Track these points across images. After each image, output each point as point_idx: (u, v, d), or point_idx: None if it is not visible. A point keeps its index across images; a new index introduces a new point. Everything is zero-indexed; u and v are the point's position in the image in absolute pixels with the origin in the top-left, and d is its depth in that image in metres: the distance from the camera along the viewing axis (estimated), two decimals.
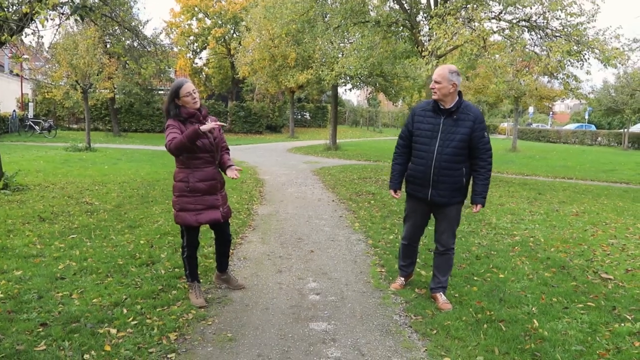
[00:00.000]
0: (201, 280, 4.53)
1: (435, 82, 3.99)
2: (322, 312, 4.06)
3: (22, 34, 7.28)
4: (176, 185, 4.05)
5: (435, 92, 4.00)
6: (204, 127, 3.72)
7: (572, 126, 48.65)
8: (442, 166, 4.01)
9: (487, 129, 4.06)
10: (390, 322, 3.89)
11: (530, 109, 57.83)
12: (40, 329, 3.56)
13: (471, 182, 4.20)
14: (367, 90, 27.52)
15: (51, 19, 5.74)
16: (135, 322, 3.72)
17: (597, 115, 47.39)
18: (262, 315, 3.97)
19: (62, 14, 5.79)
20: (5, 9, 5.44)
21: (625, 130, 32.84)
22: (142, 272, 4.87)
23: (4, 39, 5.56)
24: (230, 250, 5.74)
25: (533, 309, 4.15)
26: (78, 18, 5.17)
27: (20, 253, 5.34)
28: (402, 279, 4.65)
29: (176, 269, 4.91)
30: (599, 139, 38.30)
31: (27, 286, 4.39)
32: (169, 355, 3.26)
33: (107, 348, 3.30)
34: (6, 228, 6.40)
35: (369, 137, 37.67)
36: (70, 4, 5.21)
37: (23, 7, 5.56)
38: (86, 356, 3.19)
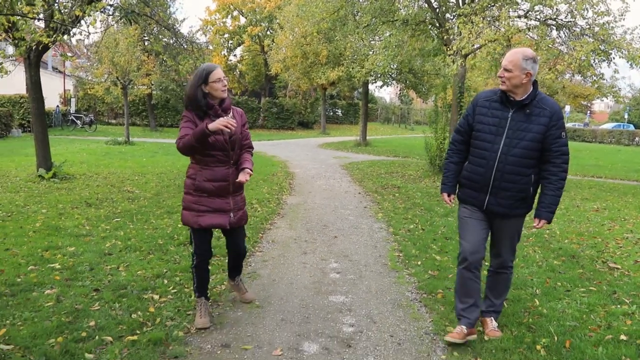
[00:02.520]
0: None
1: (505, 69, 3.26)
2: (341, 288, 4.48)
3: (70, 34, 7.93)
4: (185, 181, 3.73)
5: (504, 82, 3.28)
6: (211, 126, 3.29)
7: (609, 125, 47.58)
8: (506, 170, 3.30)
9: (565, 129, 3.33)
10: (402, 298, 4.29)
11: (567, 108, 56.75)
12: (94, 294, 4.10)
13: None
14: (397, 87, 27.74)
15: (100, 21, 6.32)
16: (175, 290, 4.23)
17: (637, 114, 46.22)
18: (286, 289, 4.42)
19: (111, 15, 6.35)
20: (61, 13, 6.04)
21: None
22: (180, 250, 5.39)
23: (59, 39, 6.17)
24: (261, 235, 6.19)
25: (537, 290, 4.47)
26: (126, 22, 5.69)
27: (72, 232, 5.94)
28: (463, 326, 3.41)
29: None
30: (637, 139, 37.44)
31: (80, 260, 4.95)
32: None
33: (151, 309, 3.81)
34: (58, 211, 7.04)
35: (400, 134, 37.84)
36: (121, 9, 5.76)
37: (76, 9, 6.17)
38: (134, 315, 3.69)
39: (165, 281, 4.44)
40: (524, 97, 3.28)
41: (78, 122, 26.41)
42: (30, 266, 4.70)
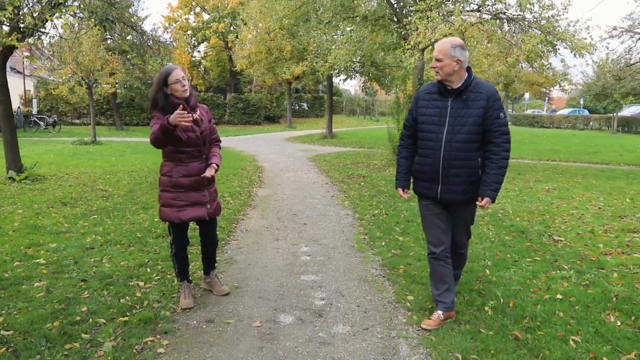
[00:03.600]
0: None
1: (436, 59, 3.39)
2: (312, 268, 4.89)
3: (40, 37, 8.06)
4: (160, 179, 3.88)
5: (438, 72, 3.42)
6: (171, 119, 3.44)
7: (565, 111, 49.33)
8: (452, 157, 3.41)
9: (503, 109, 3.44)
10: (367, 274, 4.72)
11: (526, 95, 58.54)
12: (82, 284, 4.38)
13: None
14: (360, 80, 28.27)
15: (70, 24, 6.50)
16: (158, 277, 4.55)
17: (589, 100, 47.99)
18: (262, 271, 4.80)
19: (82, 18, 6.54)
20: (32, 17, 6.21)
21: (615, 114, 33.64)
22: (159, 242, 5.69)
23: (35, 42, 6.33)
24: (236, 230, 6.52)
25: (488, 262, 4.97)
26: (101, 28, 5.93)
27: (52, 230, 6.16)
28: (440, 312, 3.60)
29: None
30: (591, 123, 39.03)
31: (63, 255, 5.20)
32: None
33: (138, 294, 4.13)
34: (34, 211, 7.21)
35: (366, 125, 38.50)
36: (95, 16, 5.99)
37: (46, 14, 6.34)
38: (122, 300, 4.01)
39: (148, 270, 4.75)
40: (459, 85, 3.40)
41: (41, 123, 25.98)
42: (15, 262, 4.92)
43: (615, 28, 16.22)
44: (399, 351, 3.25)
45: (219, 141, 4.09)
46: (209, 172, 3.76)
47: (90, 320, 3.64)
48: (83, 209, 7.40)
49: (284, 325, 3.62)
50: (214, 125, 4.03)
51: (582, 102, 54.67)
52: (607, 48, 37.55)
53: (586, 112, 46.70)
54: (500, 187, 3.43)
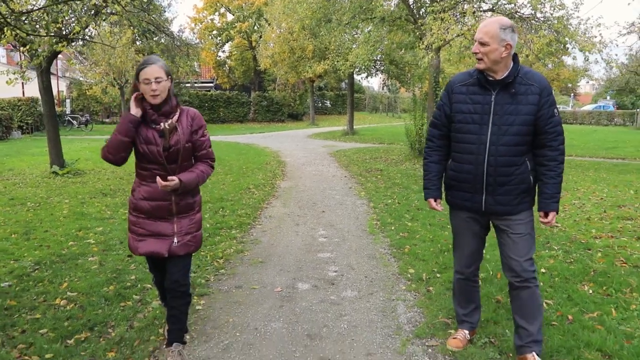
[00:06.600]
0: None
1: (481, 43, 2.78)
2: (327, 248, 5.54)
3: (83, 43, 8.85)
4: (129, 197, 3.16)
5: (481, 59, 2.80)
6: (133, 110, 2.84)
7: (589, 107, 48.85)
8: (499, 162, 2.85)
9: (557, 105, 2.91)
10: (376, 252, 5.35)
11: None
12: (129, 259, 5.10)
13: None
14: (381, 77, 28.80)
15: (113, 32, 7.26)
16: (194, 254, 5.24)
17: (613, 96, 47.41)
18: (283, 250, 5.47)
19: (122, 25, 7.30)
20: (81, 27, 7.00)
21: (638, 110, 33.40)
22: None
23: (80, 48, 7.10)
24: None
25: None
26: (143, 37, 6.65)
27: (97, 217, 6.94)
28: (465, 331, 3.27)
29: (217, 224, 6.43)
30: (615, 119, 38.72)
31: (109, 236, 5.95)
32: (220, 271, 4.78)
33: None
34: (79, 201, 8.02)
35: (387, 122, 38.98)
36: (138, 27, 6.75)
37: (90, 23, 7.11)
38: None
39: None
40: (505, 75, 2.82)
41: (74, 122, 27.21)
42: (69, 242, 5.69)
43: (633, 24, 16.47)
44: (396, 309, 3.87)
45: (209, 159, 3.08)
46: (161, 182, 2.77)
47: (139, 285, 4.35)
48: (122, 199, 8.18)
49: (301, 291, 4.27)
50: (205, 139, 3.03)
51: (608, 98, 54.01)
52: (625, 44, 37.22)
53: (611, 108, 46.09)
54: (560, 197, 2.96)
